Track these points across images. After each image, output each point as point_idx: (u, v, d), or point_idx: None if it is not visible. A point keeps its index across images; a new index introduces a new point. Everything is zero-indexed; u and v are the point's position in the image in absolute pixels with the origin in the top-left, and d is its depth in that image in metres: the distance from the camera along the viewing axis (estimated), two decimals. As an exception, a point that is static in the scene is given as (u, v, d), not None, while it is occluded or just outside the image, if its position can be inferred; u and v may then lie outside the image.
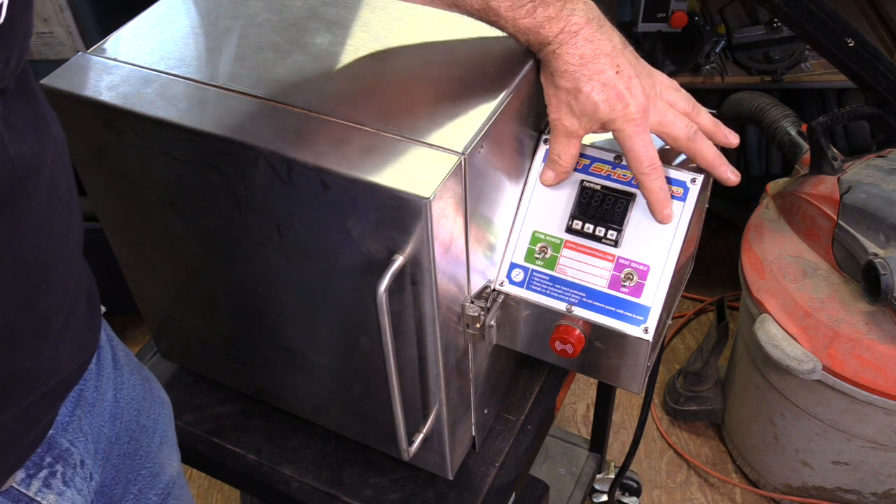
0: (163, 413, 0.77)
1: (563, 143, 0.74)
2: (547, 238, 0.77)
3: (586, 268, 0.75)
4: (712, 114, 0.79)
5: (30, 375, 0.55)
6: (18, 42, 0.48)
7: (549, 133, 0.78)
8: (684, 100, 0.76)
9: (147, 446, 0.74)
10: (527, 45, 0.72)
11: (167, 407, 0.79)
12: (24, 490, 0.58)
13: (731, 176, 0.77)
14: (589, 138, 0.78)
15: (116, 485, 0.71)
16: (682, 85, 0.77)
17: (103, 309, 0.71)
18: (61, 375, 0.58)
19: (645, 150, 0.72)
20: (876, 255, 1.24)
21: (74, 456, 0.63)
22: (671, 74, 1.74)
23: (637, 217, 0.75)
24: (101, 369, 0.68)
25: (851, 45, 1.29)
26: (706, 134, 0.76)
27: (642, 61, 0.73)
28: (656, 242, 0.75)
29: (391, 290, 0.65)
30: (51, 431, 0.61)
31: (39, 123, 0.53)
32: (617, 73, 0.70)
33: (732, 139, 0.78)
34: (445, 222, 0.64)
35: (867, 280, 1.26)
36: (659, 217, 0.75)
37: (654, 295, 0.74)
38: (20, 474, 0.58)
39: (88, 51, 0.77)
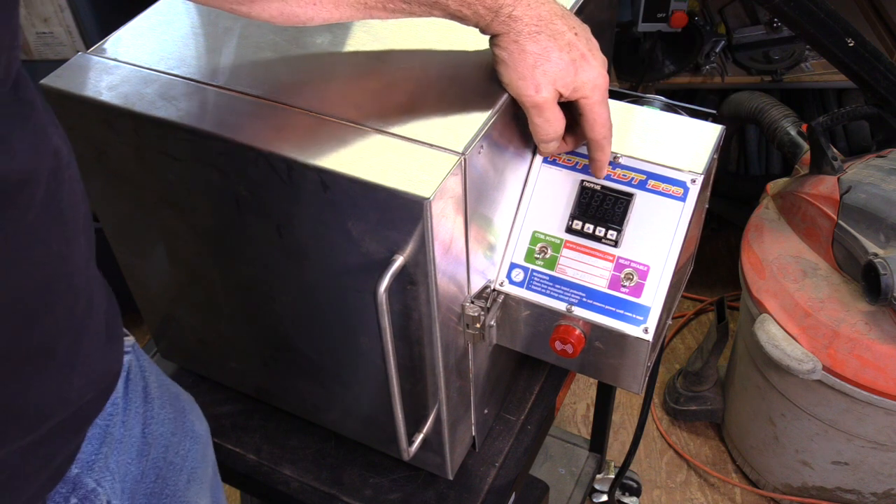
0: (193, 448, 0.74)
1: (540, 119, 0.69)
2: (547, 238, 0.77)
3: (586, 268, 0.75)
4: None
5: (32, 406, 0.51)
6: (3, 53, 0.44)
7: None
8: None
9: (174, 484, 0.71)
10: (477, 25, 0.66)
11: (200, 441, 0.75)
12: None
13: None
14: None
15: None
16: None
17: (131, 339, 0.67)
18: (72, 407, 0.54)
19: (608, 113, 0.70)
20: (876, 255, 1.24)
21: (101, 496, 0.60)
22: (671, 74, 1.74)
23: (637, 217, 0.75)
24: (128, 403, 0.65)
25: (851, 45, 1.29)
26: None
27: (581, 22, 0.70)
28: (656, 242, 0.74)
29: (391, 290, 0.65)
30: (76, 470, 0.58)
31: (34, 138, 0.49)
32: (576, 34, 0.67)
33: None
34: (445, 222, 0.64)
35: (867, 280, 1.26)
36: (596, 169, 0.73)
37: (654, 295, 0.74)
38: None
39: (88, 51, 0.76)
